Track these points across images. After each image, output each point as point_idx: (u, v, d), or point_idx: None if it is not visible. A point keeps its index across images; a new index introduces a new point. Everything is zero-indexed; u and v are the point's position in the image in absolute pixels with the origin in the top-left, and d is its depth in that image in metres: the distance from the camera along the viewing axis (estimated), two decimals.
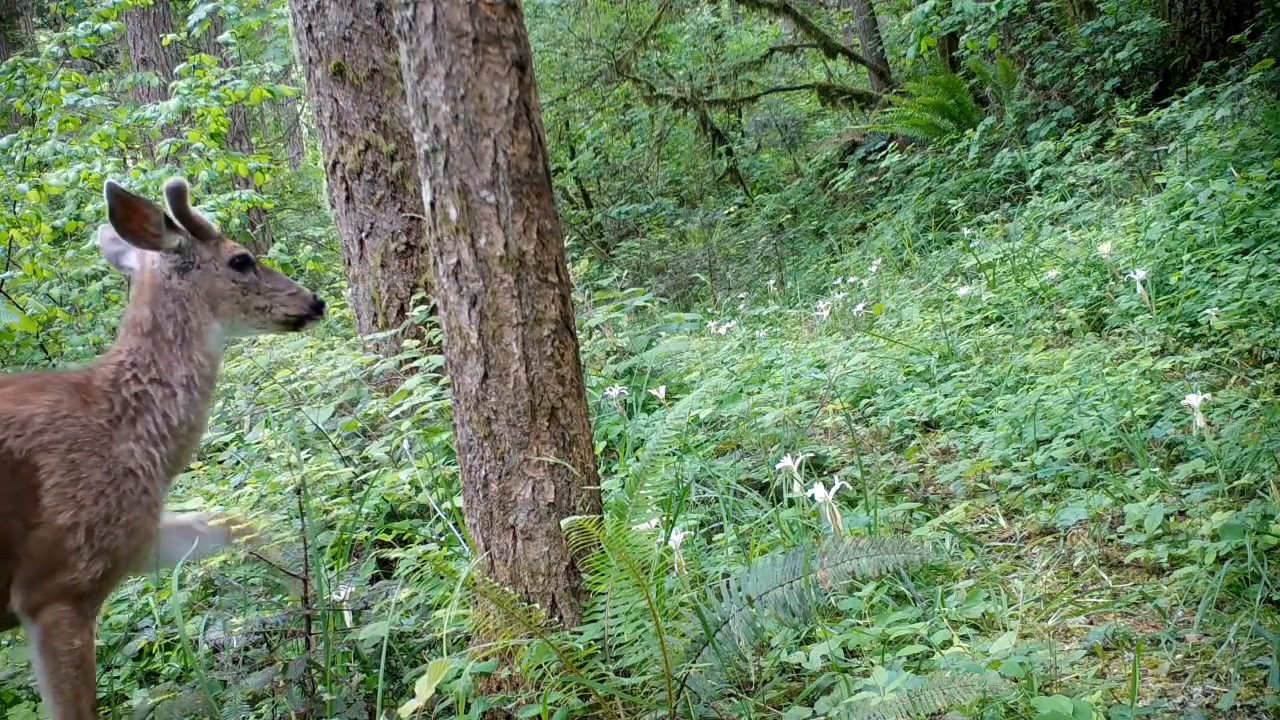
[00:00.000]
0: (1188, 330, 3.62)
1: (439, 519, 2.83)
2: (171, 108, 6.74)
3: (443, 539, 2.72)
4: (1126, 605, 2.13)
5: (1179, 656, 1.91)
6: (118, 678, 2.50)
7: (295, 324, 2.47)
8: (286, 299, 2.43)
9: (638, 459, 2.04)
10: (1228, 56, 6.98)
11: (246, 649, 2.16)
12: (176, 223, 2.31)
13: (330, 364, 3.88)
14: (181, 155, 7.09)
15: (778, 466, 2.74)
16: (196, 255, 2.33)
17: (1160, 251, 4.31)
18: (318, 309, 2.46)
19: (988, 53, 8.78)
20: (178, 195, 2.28)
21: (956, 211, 7.39)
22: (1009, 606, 2.20)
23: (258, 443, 3.70)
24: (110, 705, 2.38)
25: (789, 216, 11.48)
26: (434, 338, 3.59)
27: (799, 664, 2.05)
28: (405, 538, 2.87)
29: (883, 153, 10.22)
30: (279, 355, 4.73)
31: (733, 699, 2.02)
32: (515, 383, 1.96)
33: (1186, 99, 6.43)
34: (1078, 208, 6.23)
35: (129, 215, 2.24)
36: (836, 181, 10.92)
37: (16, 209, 5.96)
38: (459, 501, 2.26)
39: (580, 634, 1.91)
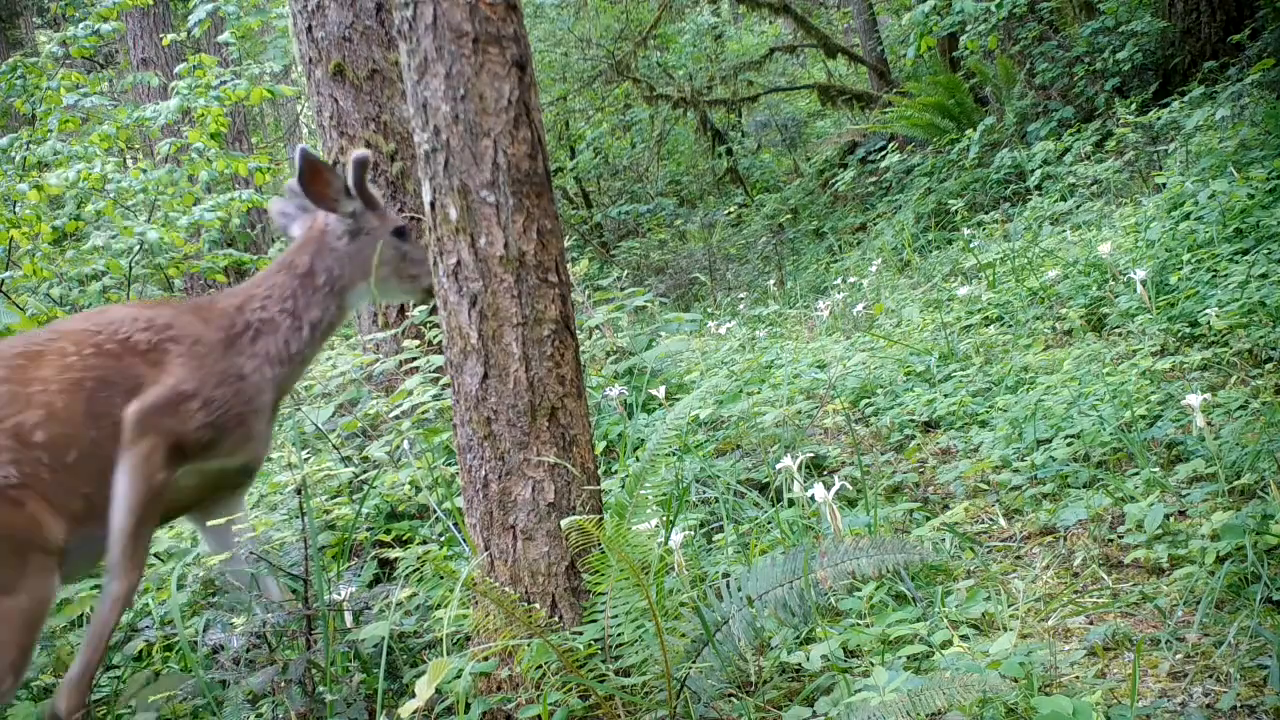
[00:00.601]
0: (1188, 330, 3.62)
1: (439, 519, 2.83)
2: (171, 108, 6.74)
3: (443, 539, 2.72)
4: (1126, 605, 2.13)
5: (1179, 656, 1.91)
6: (118, 678, 2.50)
7: (428, 295, 2.65)
8: (433, 269, 2.58)
9: (638, 459, 2.04)
10: (1228, 56, 6.98)
11: (247, 649, 2.16)
12: (354, 192, 2.55)
13: (330, 364, 3.88)
14: (181, 155, 7.09)
15: (778, 466, 2.74)
16: (365, 223, 2.59)
17: (1160, 251, 4.31)
18: None
19: (988, 53, 8.79)
20: (360, 167, 2.54)
21: (956, 211, 7.39)
22: (1009, 606, 2.20)
23: None
24: (110, 705, 2.38)
25: (789, 216, 11.48)
26: (434, 338, 3.59)
27: (799, 664, 2.05)
28: (405, 538, 2.87)
29: (883, 153, 10.22)
30: None
31: (733, 699, 2.02)
32: (515, 383, 1.96)
33: (1186, 99, 6.43)
34: (1078, 208, 6.23)
35: (314, 179, 2.50)
36: (836, 181, 10.93)
37: (16, 209, 5.96)
38: (459, 501, 2.26)
39: (580, 634, 1.91)
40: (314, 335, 2.52)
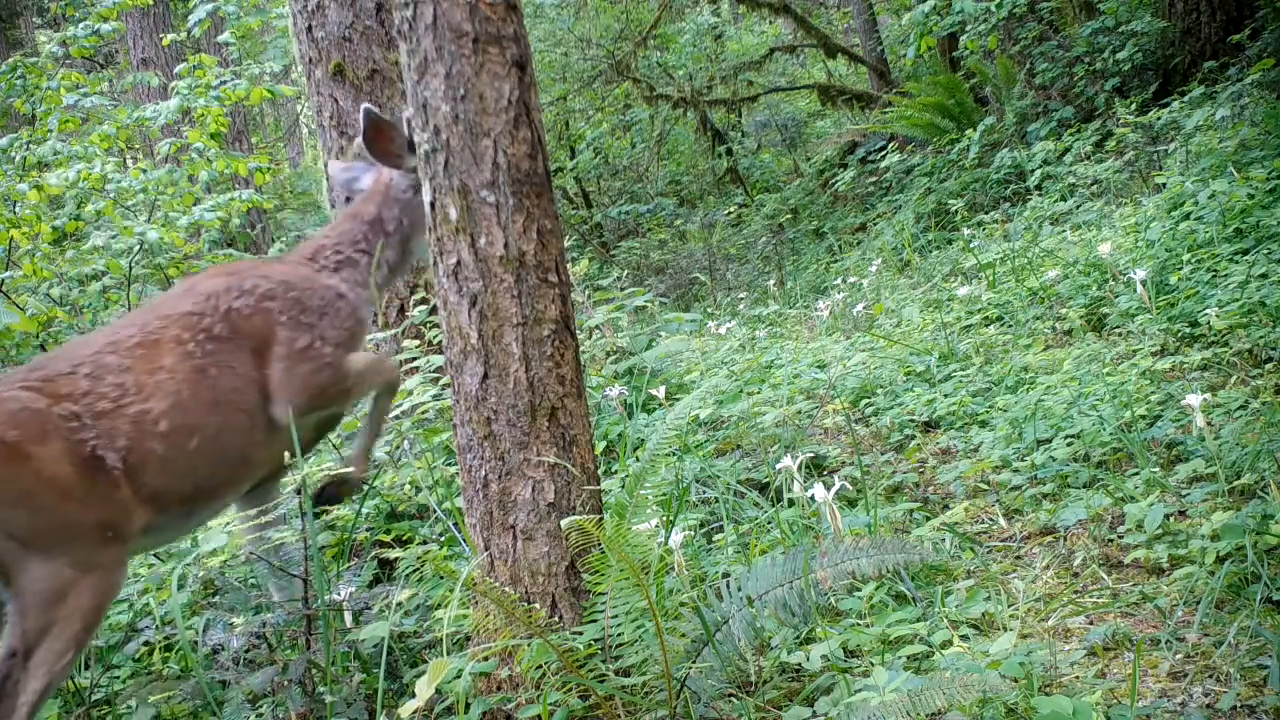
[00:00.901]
0: (1188, 330, 3.62)
1: (439, 519, 2.83)
2: (171, 108, 6.74)
3: (443, 539, 2.72)
4: (1126, 605, 2.13)
5: (1179, 656, 1.91)
6: (117, 678, 2.50)
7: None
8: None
9: (638, 459, 2.04)
10: (1228, 56, 6.98)
11: (247, 649, 2.16)
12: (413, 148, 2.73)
13: None
14: (181, 155, 7.08)
15: (778, 466, 2.74)
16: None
17: (1160, 251, 4.31)
18: None
19: (988, 53, 8.78)
20: None
21: (956, 211, 7.39)
22: (1009, 606, 2.20)
23: None
24: (111, 705, 2.38)
25: (789, 216, 11.48)
26: (434, 338, 3.59)
27: (799, 664, 2.05)
28: (405, 538, 2.87)
29: (883, 153, 10.22)
30: None
31: (733, 699, 2.02)
32: (515, 383, 1.96)
33: (1186, 99, 6.43)
34: (1078, 208, 6.23)
35: (378, 137, 2.64)
36: (836, 181, 10.92)
37: (16, 209, 5.96)
38: (459, 501, 2.26)
39: (580, 634, 1.91)
40: (390, 274, 2.76)
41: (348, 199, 2.89)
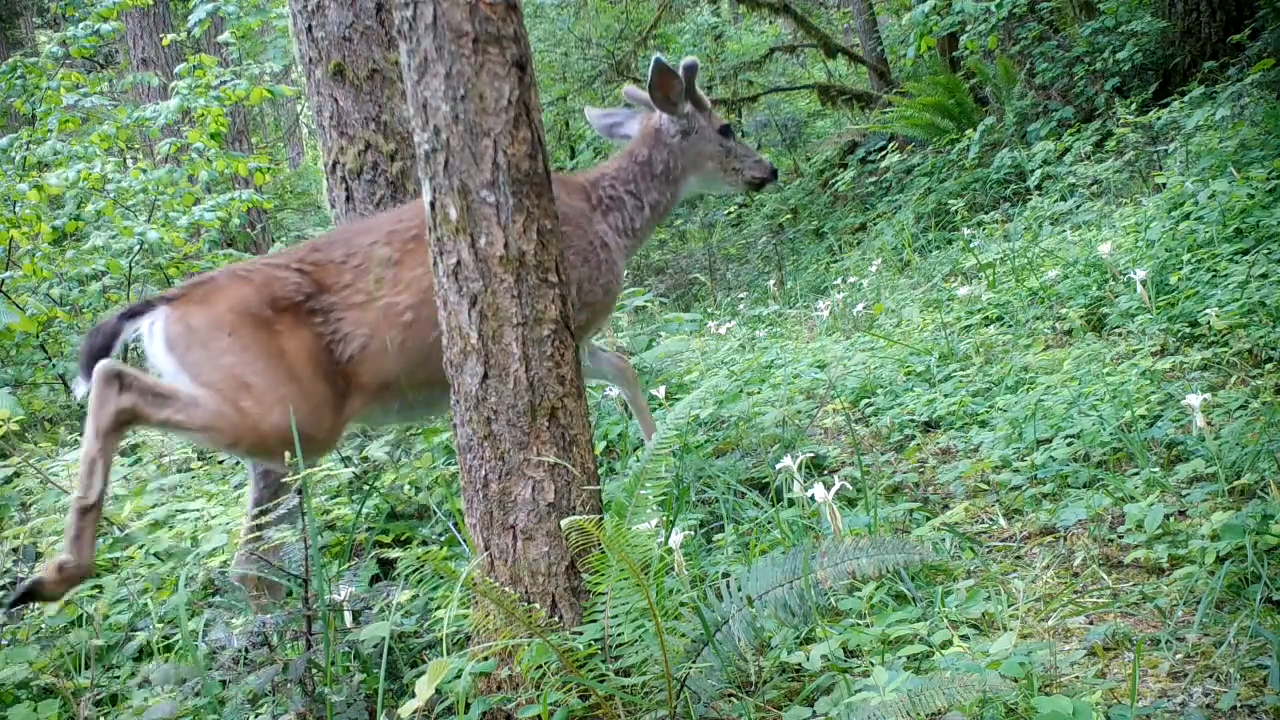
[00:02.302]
0: (1188, 330, 3.61)
1: (439, 519, 2.84)
2: (171, 108, 6.74)
3: (443, 539, 2.72)
4: (1126, 605, 2.13)
5: (1179, 656, 1.91)
6: (117, 678, 2.50)
7: (758, 185, 3.18)
8: (754, 164, 3.15)
9: (638, 459, 2.04)
10: (1228, 56, 6.98)
11: (247, 649, 2.16)
12: (688, 96, 3.02)
13: None
14: (181, 155, 7.09)
15: (778, 466, 2.74)
16: (696, 123, 3.05)
17: (1160, 251, 4.31)
18: (774, 174, 3.17)
19: (988, 53, 8.78)
20: (692, 72, 3.00)
21: (956, 211, 7.39)
22: (1009, 606, 2.20)
23: None
24: (111, 705, 2.38)
25: (789, 216, 11.48)
26: None
27: (799, 664, 2.05)
28: (405, 538, 2.87)
29: (883, 153, 10.22)
30: None
31: (733, 699, 2.02)
32: (515, 383, 1.96)
33: (1186, 99, 6.43)
34: (1078, 208, 6.22)
35: (662, 83, 2.93)
36: (836, 181, 10.92)
37: (16, 209, 5.96)
38: (459, 501, 2.26)
39: (580, 634, 1.91)
40: (652, 215, 2.97)
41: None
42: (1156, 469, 2.64)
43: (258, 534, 2.34)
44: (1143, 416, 2.99)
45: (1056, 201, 6.52)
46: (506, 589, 1.95)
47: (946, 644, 2.02)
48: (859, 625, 2.17)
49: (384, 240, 2.54)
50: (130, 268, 6.36)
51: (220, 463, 3.92)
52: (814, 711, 1.88)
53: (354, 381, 2.47)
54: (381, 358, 2.47)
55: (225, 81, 6.95)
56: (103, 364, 2.23)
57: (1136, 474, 2.64)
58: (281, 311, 2.41)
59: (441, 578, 2.37)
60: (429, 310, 2.38)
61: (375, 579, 2.80)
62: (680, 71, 2.95)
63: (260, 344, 2.37)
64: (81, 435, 2.40)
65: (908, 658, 2.00)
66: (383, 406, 2.56)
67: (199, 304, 2.39)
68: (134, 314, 2.41)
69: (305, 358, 2.41)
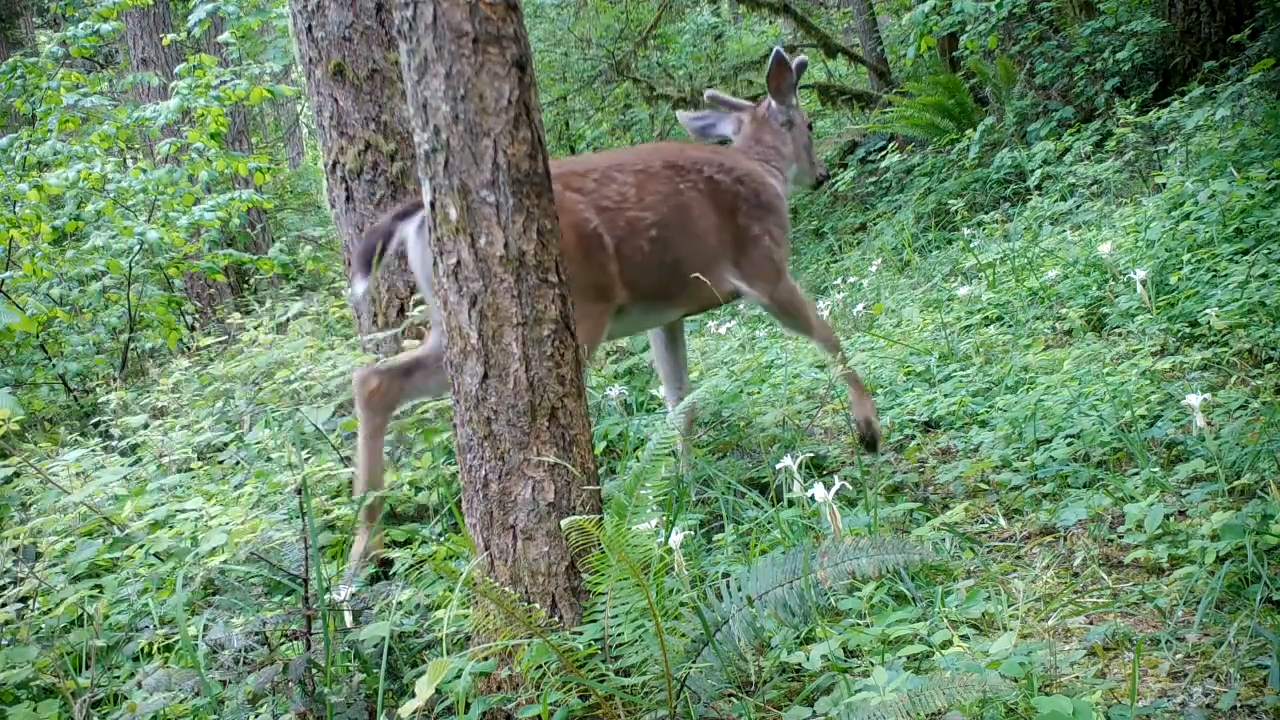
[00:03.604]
0: (1188, 330, 3.61)
1: (440, 519, 2.84)
2: (171, 108, 6.74)
3: (443, 539, 2.72)
4: (1126, 605, 2.13)
5: (1179, 656, 1.91)
6: (117, 678, 2.50)
7: (818, 184, 3.72)
8: (820, 163, 3.64)
9: (637, 459, 2.04)
10: (1228, 56, 6.97)
11: (247, 649, 2.16)
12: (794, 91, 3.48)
13: (330, 364, 3.88)
14: (181, 155, 7.09)
15: (778, 466, 2.74)
16: (797, 115, 3.50)
17: (1160, 251, 4.31)
18: (826, 178, 3.68)
19: (988, 53, 8.77)
20: (802, 69, 3.47)
21: (956, 211, 7.39)
22: (1009, 606, 2.20)
23: (258, 443, 3.70)
24: (111, 705, 2.38)
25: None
26: None
27: (799, 664, 2.05)
28: (406, 539, 2.87)
29: (883, 153, 10.21)
30: (279, 355, 4.74)
31: (733, 699, 2.02)
32: (515, 383, 1.96)
33: (1186, 99, 6.42)
34: (1078, 208, 6.22)
35: (778, 74, 3.37)
36: (836, 181, 10.91)
37: (16, 209, 5.96)
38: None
39: (580, 634, 1.91)
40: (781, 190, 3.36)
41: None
42: (1156, 469, 2.64)
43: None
44: (1143, 416, 2.99)
45: (1056, 201, 6.52)
46: (506, 589, 1.95)
47: (946, 644, 2.02)
48: (859, 625, 2.17)
49: (615, 166, 2.90)
50: (130, 268, 6.36)
51: (220, 463, 3.92)
52: (814, 711, 1.88)
53: (616, 270, 2.79)
54: (631, 260, 2.81)
55: (225, 81, 6.95)
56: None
57: (1136, 474, 2.64)
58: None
59: (441, 578, 2.37)
60: (667, 232, 2.88)
61: (375, 579, 2.80)
62: (794, 66, 3.34)
63: None
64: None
65: (908, 658, 2.00)
66: (622, 311, 2.89)
67: None
68: (405, 214, 2.66)
69: (576, 241, 2.67)
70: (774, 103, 3.40)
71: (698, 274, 2.95)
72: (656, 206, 2.88)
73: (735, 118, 3.46)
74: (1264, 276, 3.56)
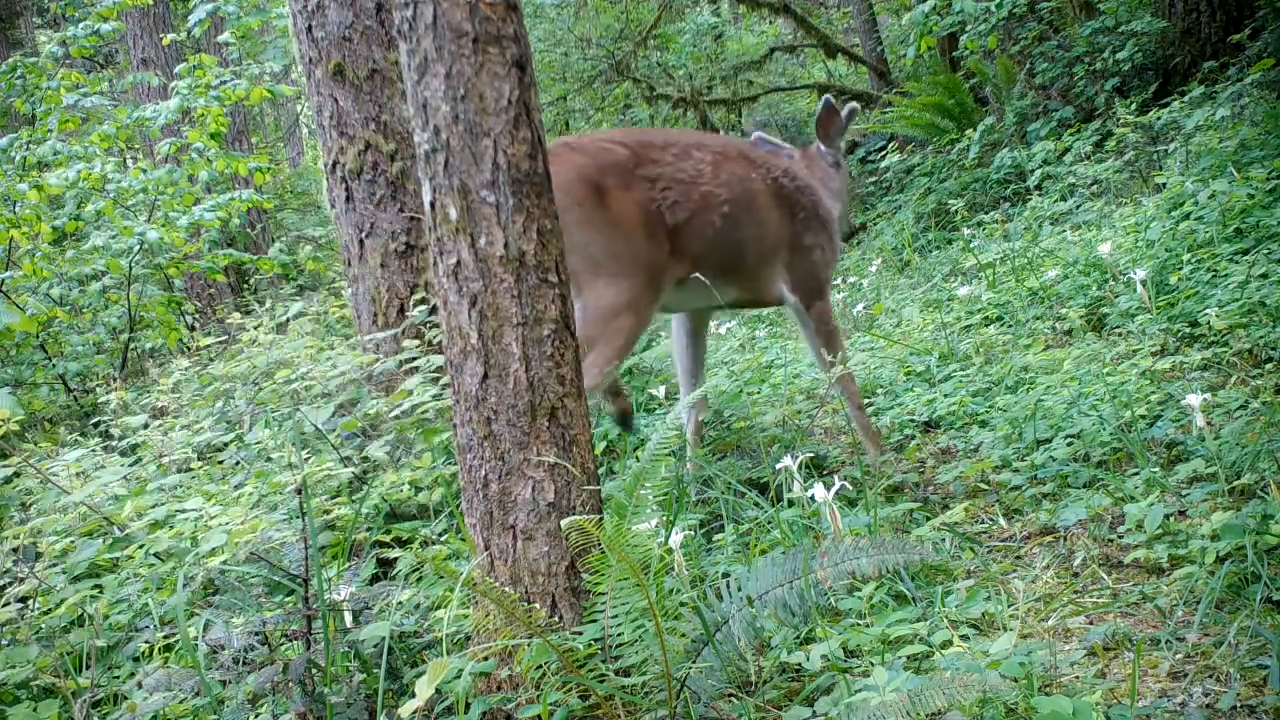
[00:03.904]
0: (1188, 330, 3.61)
1: (440, 519, 2.84)
2: (171, 108, 6.74)
3: (444, 539, 2.72)
4: (1126, 605, 2.13)
5: (1179, 656, 1.91)
6: (117, 678, 2.50)
7: (849, 234, 3.84)
8: (853, 215, 3.98)
9: (637, 459, 2.04)
10: (1228, 56, 6.97)
11: (247, 649, 2.16)
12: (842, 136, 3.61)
13: (330, 364, 3.87)
14: (181, 155, 7.09)
15: (778, 466, 2.74)
16: (842, 160, 3.64)
17: (1160, 251, 4.31)
18: (858, 229, 4.26)
19: (988, 53, 8.77)
20: (852, 117, 3.57)
21: (956, 211, 7.39)
22: (1009, 606, 2.20)
23: (258, 443, 3.70)
24: (111, 705, 2.38)
25: None
26: (434, 338, 3.59)
27: (799, 664, 2.05)
28: (406, 539, 2.87)
29: (883, 153, 10.21)
30: (279, 355, 4.73)
31: (733, 699, 2.02)
32: (515, 383, 1.96)
33: (1186, 99, 6.42)
34: (1078, 208, 6.22)
35: (829, 120, 3.52)
36: None
37: (16, 209, 5.96)
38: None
39: (580, 634, 1.91)
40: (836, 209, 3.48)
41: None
42: (1156, 469, 2.64)
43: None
44: (1143, 416, 2.99)
45: (1056, 201, 6.52)
46: (506, 589, 1.95)
47: (946, 644, 2.02)
48: (859, 625, 2.17)
49: (695, 145, 3.01)
50: (130, 268, 6.36)
51: (220, 463, 3.92)
52: (814, 711, 1.88)
53: (677, 248, 2.87)
54: (702, 233, 2.92)
55: (225, 81, 6.95)
56: None
57: (1136, 474, 2.64)
58: (615, 176, 2.78)
59: (441, 578, 2.37)
60: (738, 210, 3.00)
61: (375, 579, 2.80)
62: (844, 113, 3.52)
63: (600, 212, 2.76)
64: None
65: (908, 658, 2.00)
66: (685, 283, 3.00)
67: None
68: None
69: (639, 216, 2.77)
70: (822, 146, 3.55)
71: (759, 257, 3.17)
72: (730, 186, 3.01)
73: (785, 154, 3.53)
74: (1264, 276, 3.56)
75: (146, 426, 4.30)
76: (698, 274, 2.98)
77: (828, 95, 3.51)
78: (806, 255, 3.23)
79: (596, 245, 2.69)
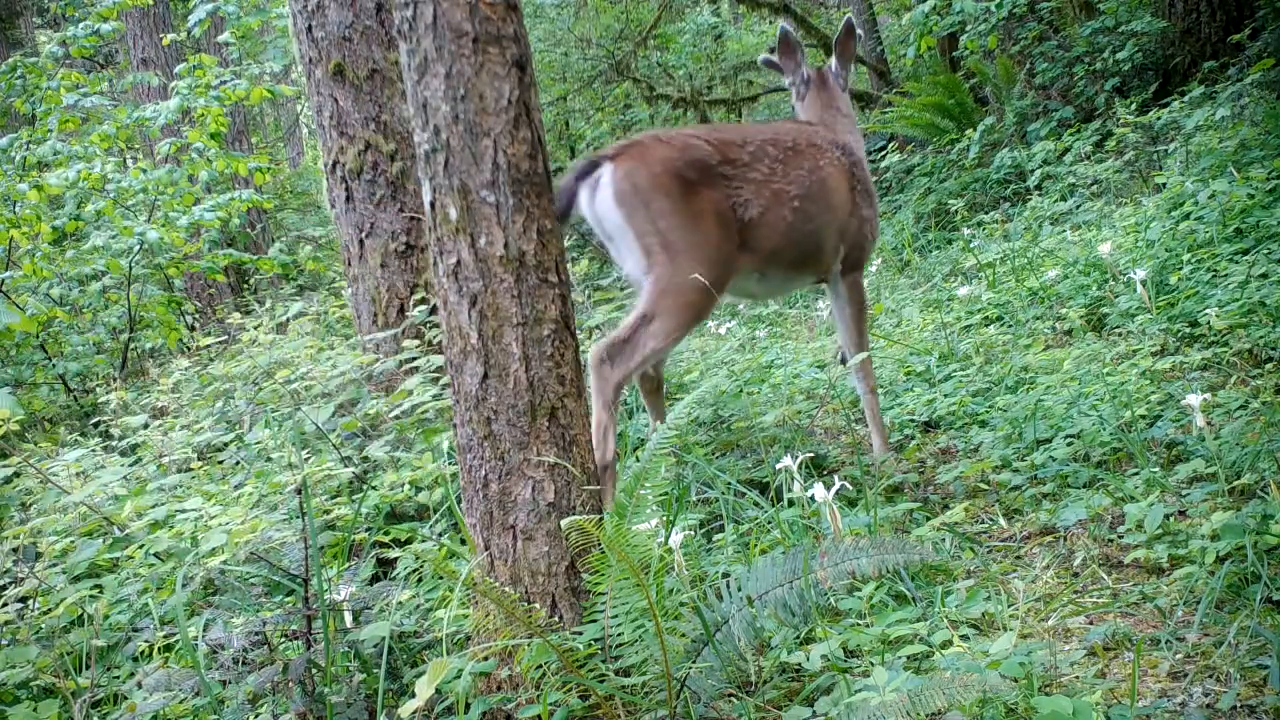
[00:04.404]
0: (1188, 330, 3.61)
1: (440, 519, 2.84)
2: (171, 108, 6.74)
3: (444, 539, 2.72)
4: (1126, 605, 2.13)
5: (1179, 656, 1.91)
6: (117, 678, 2.50)
7: None
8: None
9: (637, 459, 2.04)
10: (1228, 56, 6.98)
11: (247, 649, 2.16)
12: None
13: (330, 364, 3.88)
14: (181, 155, 7.09)
15: (778, 466, 2.74)
16: (849, 78, 3.72)
17: (1160, 251, 4.31)
18: None
19: (988, 53, 8.77)
20: (858, 41, 3.69)
21: (956, 211, 7.39)
22: (1009, 606, 2.20)
23: (258, 443, 3.70)
24: (111, 705, 2.38)
25: None
26: (434, 338, 3.59)
27: (799, 664, 2.05)
28: (406, 539, 2.87)
29: (883, 153, 10.21)
30: (279, 355, 4.73)
31: (733, 699, 2.02)
32: (515, 383, 1.96)
33: (1186, 99, 6.43)
34: (1078, 208, 6.22)
35: (846, 41, 3.63)
36: None
37: (16, 209, 5.96)
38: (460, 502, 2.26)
39: (580, 634, 1.91)
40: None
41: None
42: (1156, 469, 2.64)
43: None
44: (1143, 416, 2.99)
45: (1056, 201, 6.52)
46: (506, 589, 1.95)
47: (946, 644, 2.02)
48: (859, 625, 2.17)
49: (769, 140, 3.14)
50: (130, 268, 6.36)
51: (220, 463, 3.92)
52: (814, 711, 1.88)
53: (748, 243, 3.00)
54: (774, 228, 3.04)
55: (225, 81, 6.95)
56: (593, 351, 2.74)
57: (1136, 474, 2.64)
58: (698, 172, 2.92)
59: (441, 578, 2.37)
60: (808, 204, 3.13)
61: (375, 579, 2.80)
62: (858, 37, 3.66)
63: (687, 204, 2.89)
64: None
65: (908, 658, 2.00)
66: (755, 275, 3.14)
67: (639, 162, 2.86)
68: (584, 174, 2.90)
69: (715, 213, 2.91)
70: (838, 64, 3.65)
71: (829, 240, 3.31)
72: (800, 181, 3.14)
73: (802, 74, 3.64)
74: (1264, 276, 3.56)
75: (146, 426, 4.31)
76: (766, 271, 3.14)
77: (849, 15, 3.64)
78: (860, 228, 3.36)
79: (676, 233, 2.84)
